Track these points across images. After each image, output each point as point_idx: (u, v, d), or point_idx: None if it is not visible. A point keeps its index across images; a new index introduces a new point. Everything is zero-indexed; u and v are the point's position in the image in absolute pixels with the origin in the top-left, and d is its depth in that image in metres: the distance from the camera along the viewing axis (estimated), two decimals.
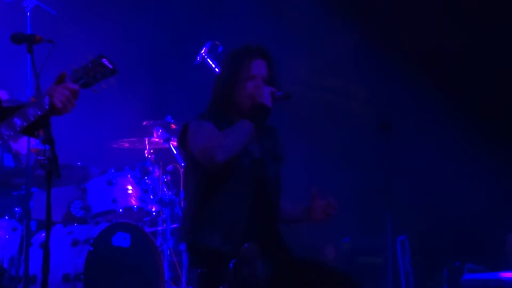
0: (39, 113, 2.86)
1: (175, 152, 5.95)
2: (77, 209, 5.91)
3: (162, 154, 6.15)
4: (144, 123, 5.71)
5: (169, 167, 6.06)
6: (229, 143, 3.62)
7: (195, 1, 7.47)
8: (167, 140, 5.93)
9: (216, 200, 3.73)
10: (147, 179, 5.76)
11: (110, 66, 3.11)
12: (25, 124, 2.88)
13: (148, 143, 6.01)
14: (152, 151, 6.02)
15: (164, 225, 5.85)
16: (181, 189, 5.73)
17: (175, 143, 5.90)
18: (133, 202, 5.61)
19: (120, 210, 5.55)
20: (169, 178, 5.98)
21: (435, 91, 7.09)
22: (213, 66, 5.26)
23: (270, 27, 7.30)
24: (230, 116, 3.58)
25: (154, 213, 5.77)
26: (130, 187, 5.65)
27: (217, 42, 5.32)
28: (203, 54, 5.32)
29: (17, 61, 4.61)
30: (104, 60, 3.08)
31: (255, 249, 3.61)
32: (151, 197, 5.75)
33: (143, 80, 7.33)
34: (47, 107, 2.86)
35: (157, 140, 5.98)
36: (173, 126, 5.92)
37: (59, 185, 5.48)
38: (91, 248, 5.12)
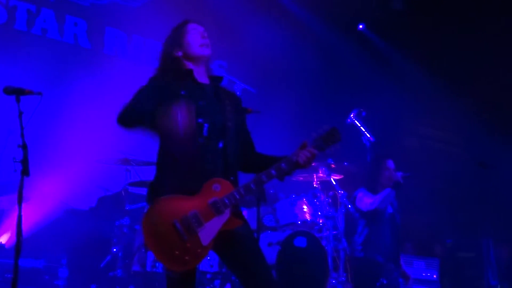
0: (286, 168, 3.24)
1: (334, 183, 6.50)
2: (268, 221, 6.59)
3: (325, 184, 6.66)
4: (314, 164, 5.22)
5: (330, 193, 6.56)
6: (380, 198, 5.59)
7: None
8: (329, 175, 6.53)
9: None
10: (316, 201, 6.40)
11: (340, 136, 3.25)
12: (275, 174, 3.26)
13: (315, 177, 6.58)
14: (318, 182, 6.57)
15: (328, 232, 6.35)
16: (339, 207, 6.37)
17: (335, 177, 6.53)
18: (307, 217, 6.36)
19: (299, 222, 6.31)
20: (330, 200, 6.48)
21: None
22: (359, 125, 6.36)
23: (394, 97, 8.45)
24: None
25: (321, 224, 6.40)
26: (305, 207, 6.40)
27: (361, 109, 6.39)
28: (352, 117, 6.40)
29: None
30: (336, 131, 3.24)
31: None
32: (319, 213, 6.41)
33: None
34: (294, 162, 3.22)
35: (321, 175, 6.55)
36: (333, 165, 6.50)
37: (255, 206, 5.69)
38: (280, 248, 5.98)
